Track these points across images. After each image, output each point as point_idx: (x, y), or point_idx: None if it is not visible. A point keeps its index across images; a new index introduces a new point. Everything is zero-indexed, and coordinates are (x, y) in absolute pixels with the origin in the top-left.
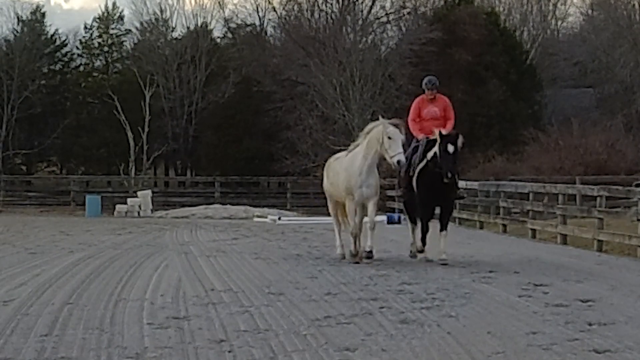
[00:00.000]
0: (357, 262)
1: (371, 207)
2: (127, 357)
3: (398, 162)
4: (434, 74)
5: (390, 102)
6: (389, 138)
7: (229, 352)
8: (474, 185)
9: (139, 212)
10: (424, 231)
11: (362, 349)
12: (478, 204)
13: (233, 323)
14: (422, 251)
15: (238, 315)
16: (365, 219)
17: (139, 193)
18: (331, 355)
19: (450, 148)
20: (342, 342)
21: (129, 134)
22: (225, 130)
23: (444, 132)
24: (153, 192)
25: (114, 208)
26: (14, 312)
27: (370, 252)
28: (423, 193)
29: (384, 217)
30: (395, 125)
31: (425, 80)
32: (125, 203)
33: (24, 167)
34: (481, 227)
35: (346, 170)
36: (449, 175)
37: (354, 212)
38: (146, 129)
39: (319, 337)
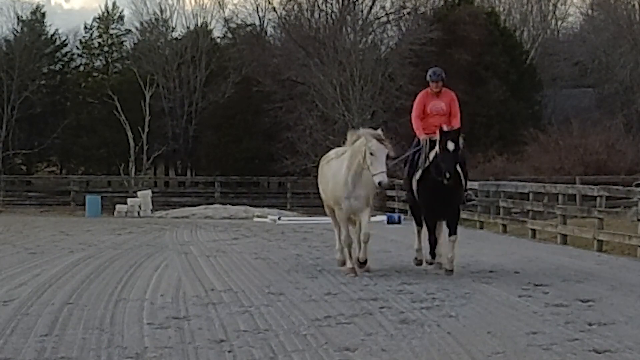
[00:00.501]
0: (354, 275)
1: (364, 220)
2: (127, 357)
3: (379, 183)
4: (439, 68)
5: (390, 102)
6: (371, 154)
7: (229, 352)
8: (474, 185)
9: (139, 212)
10: (432, 243)
11: (362, 349)
12: (478, 204)
13: (233, 323)
14: (431, 263)
15: (238, 315)
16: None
17: (139, 193)
18: (331, 355)
19: (451, 145)
20: (342, 342)
21: (129, 134)
22: (225, 130)
23: (445, 128)
24: (153, 192)
25: (114, 208)
26: (14, 312)
27: (365, 262)
28: (425, 199)
29: (384, 217)
30: (379, 140)
31: (430, 72)
32: (125, 203)
33: (24, 167)
34: (481, 227)
35: (334, 177)
36: (447, 175)
37: (344, 221)
38: (146, 129)
39: (319, 337)
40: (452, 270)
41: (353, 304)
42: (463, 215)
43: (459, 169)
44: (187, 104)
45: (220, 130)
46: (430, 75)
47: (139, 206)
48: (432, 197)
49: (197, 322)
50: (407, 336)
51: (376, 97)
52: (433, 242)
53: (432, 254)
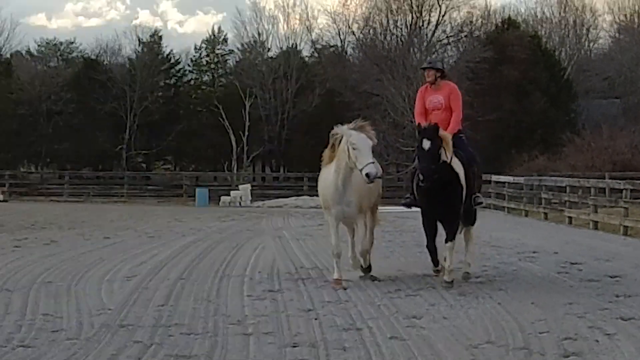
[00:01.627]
0: (340, 287)
1: (359, 232)
2: (230, 324)
3: (367, 175)
4: (438, 59)
5: None
6: (354, 148)
7: (315, 319)
8: (520, 180)
9: (240, 203)
10: (432, 249)
11: (427, 317)
12: (524, 196)
13: (319, 295)
14: (437, 272)
15: (323, 288)
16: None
17: (240, 186)
18: (400, 322)
19: (426, 144)
20: (410, 311)
21: (232, 137)
22: (312, 134)
23: (422, 125)
24: (252, 186)
25: (219, 199)
26: (135, 286)
27: (369, 268)
28: (421, 202)
29: None
30: (360, 129)
31: (425, 61)
32: (229, 195)
33: (144, 165)
34: (526, 215)
35: (323, 182)
36: (421, 177)
37: (334, 227)
38: (246, 133)
39: (391, 307)
40: (451, 282)
41: (419, 279)
42: (511, 204)
43: (458, 169)
44: (280, 112)
45: (308, 134)
46: (425, 65)
47: (240, 197)
48: (424, 198)
49: (288, 294)
50: (464, 306)
51: None
52: (433, 249)
53: (435, 261)
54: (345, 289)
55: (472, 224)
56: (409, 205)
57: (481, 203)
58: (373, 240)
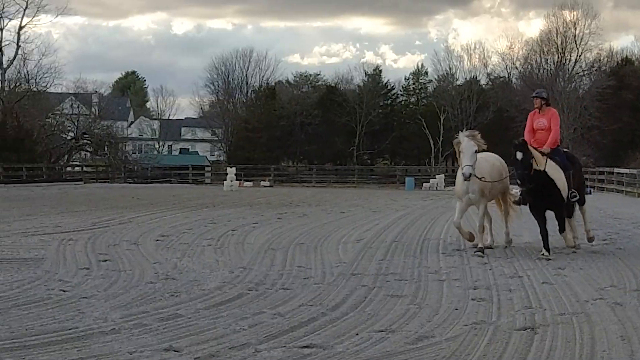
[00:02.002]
0: (481, 251)
1: (480, 211)
2: (429, 272)
3: (463, 174)
4: (544, 89)
5: (584, 122)
6: (461, 151)
7: (490, 269)
8: (634, 171)
9: (436, 187)
10: (544, 235)
11: (568, 268)
12: (637, 183)
13: (492, 253)
14: (548, 258)
15: (495, 248)
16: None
17: (436, 176)
18: (550, 272)
19: (519, 155)
20: (556, 264)
21: (431, 141)
22: (487, 140)
23: (515, 141)
24: (445, 175)
25: (422, 185)
26: (363, 246)
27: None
28: (528, 200)
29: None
30: (470, 137)
31: (534, 92)
32: (429, 182)
33: (368, 161)
34: (638, 196)
35: (456, 177)
36: (518, 182)
37: (461, 211)
38: (440, 139)
39: (543, 260)
40: (574, 251)
41: (562, 241)
42: (627, 189)
43: (555, 172)
44: (465, 124)
45: (484, 138)
46: (532, 95)
47: (437, 184)
48: (529, 197)
49: (470, 252)
50: (595, 260)
51: (577, 118)
52: (544, 234)
53: (546, 246)
54: (489, 247)
55: (582, 204)
56: (518, 204)
57: (575, 197)
58: (509, 211)
